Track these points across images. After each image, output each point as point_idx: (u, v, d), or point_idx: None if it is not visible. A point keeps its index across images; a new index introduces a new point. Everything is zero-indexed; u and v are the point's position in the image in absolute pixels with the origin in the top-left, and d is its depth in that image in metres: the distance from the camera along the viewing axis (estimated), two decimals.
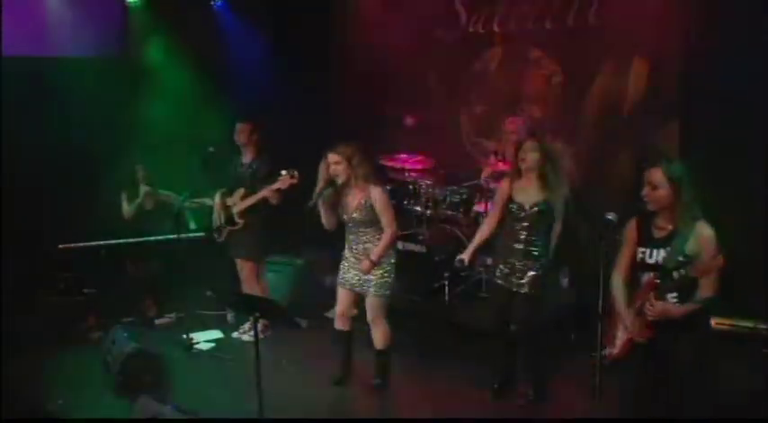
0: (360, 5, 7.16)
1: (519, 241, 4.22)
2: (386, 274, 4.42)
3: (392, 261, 4.46)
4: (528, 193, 4.20)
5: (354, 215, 4.36)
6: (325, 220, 4.49)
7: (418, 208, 6.27)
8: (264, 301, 4.29)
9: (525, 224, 4.19)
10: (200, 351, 5.45)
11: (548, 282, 4.31)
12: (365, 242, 4.42)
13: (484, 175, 6.06)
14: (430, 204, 6.20)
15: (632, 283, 3.44)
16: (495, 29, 6.75)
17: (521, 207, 4.20)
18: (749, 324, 4.91)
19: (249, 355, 3.72)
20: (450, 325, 5.62)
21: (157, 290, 6.11)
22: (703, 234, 3.25)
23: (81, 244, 5.84)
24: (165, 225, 5.71)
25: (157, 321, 6.05)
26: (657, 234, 3.35)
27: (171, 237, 5.64)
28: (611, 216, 3.23)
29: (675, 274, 3.20)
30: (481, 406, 4.45)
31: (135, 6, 6.73)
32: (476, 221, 6.27)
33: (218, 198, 5.63)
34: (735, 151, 5.09)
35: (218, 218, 5.64)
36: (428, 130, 7.02)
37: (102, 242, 5.91)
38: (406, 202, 6.38)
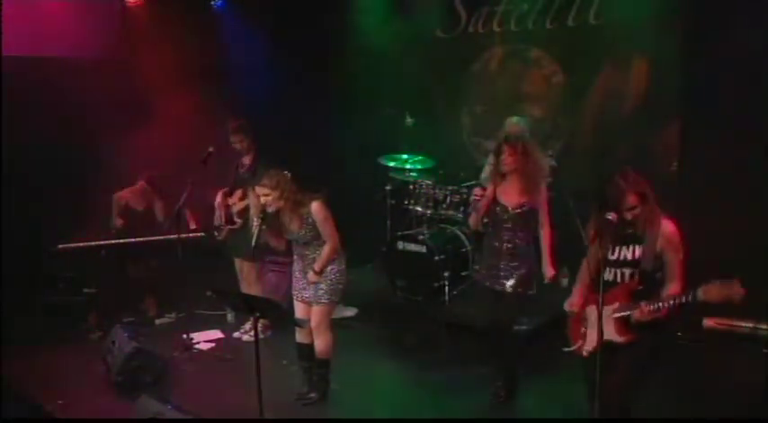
0: (359, 5, 7.15)
1: (503, 242, 4.26)
2: (336, 281, 4.42)
3: (342, 267, 4.45)
4: (511, 195, 4.26)
5: (301, 233, 4.38)
6: (274, 244, 4.56)
7: (418, 208, 6.27)
8: (264, 301, 4.29)
9: (509, 225, 4.25)
10: (200, 351, 5.45)
11: (534, 282, 4.33)
12: (313, 255, 4.42)
13: (484, 175, 6.06)
14: (430, 204, 6.20)
15: (594, 280, 3.35)
16: (495, 29, 6.75)
17: (504, 209, 4.26)
18: (749, 324, 4.91)
19: (249, 355, 3.72)
20: (450, 325, 5.61)
21: (157, 290, 6.12)
22: (670, 230, 3.21)
23: (81, 244, 5.84)
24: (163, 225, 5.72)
25: (157, 321, 6.06)
26: (621, 231, 3.27)
27: (171, 237, 5.64)
28: (610, 216, 3.21)
29: (658, 275, 3.19)
30: (481, 406, 4.45)
31: (135, 6, 6.73)
32: None
33: (219, 197, 5.65)
34: (735, 151, 5.08)
35: (218, 217, 5.67)
36: (428, 130, 7.02)
37: (102, 242, 5.91)
38: (406, 202, 6.38)
